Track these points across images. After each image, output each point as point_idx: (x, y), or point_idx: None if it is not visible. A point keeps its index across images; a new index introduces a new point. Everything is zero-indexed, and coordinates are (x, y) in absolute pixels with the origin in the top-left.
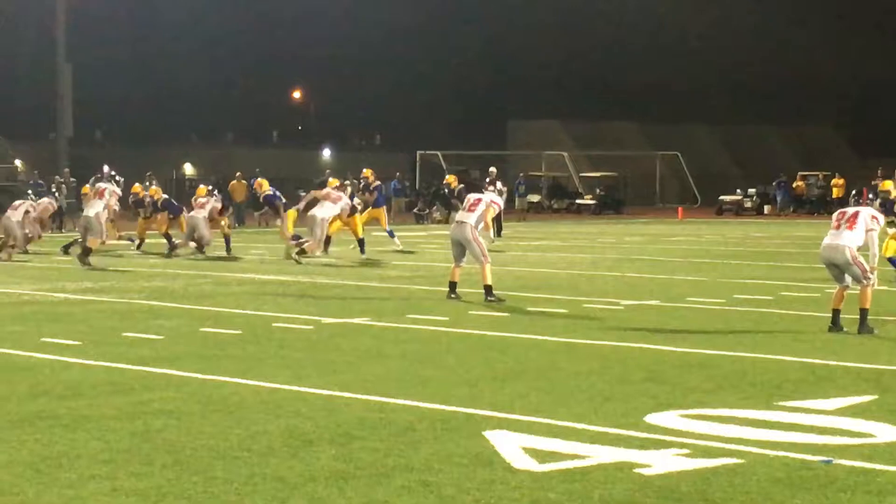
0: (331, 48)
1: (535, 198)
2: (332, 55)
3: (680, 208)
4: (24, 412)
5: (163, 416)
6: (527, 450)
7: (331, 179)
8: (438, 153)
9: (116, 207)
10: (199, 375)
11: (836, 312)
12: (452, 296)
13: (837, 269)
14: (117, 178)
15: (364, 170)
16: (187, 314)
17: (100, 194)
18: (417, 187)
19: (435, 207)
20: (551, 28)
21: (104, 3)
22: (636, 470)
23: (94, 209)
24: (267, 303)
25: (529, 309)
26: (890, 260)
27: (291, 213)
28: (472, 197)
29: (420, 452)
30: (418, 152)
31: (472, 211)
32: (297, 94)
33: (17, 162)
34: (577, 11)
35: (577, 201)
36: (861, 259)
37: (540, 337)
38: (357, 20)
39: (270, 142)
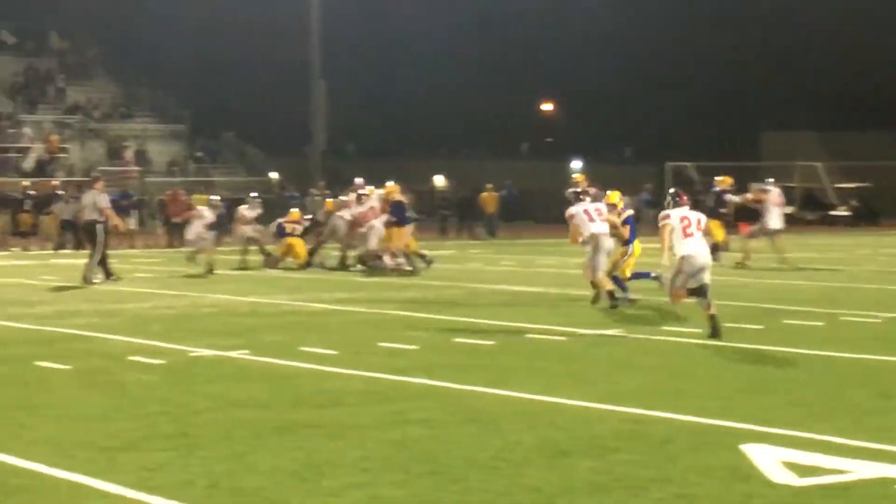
0: (582, 61)
1: (788, 209)
2: (583, 67)
3: None
4: (286, 420)
5: (419, 425)
6: (785, 464)
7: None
8: (689, 164)
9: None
10: (455, 385)
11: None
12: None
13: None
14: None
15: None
16: (441, 324)
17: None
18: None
19: None
20: (806, 39)
21: (357, 19)
22: None
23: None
24: (520, 313)
25: (784, 321)
26: (635, 275)
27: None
28: (695, 217)
29: (677, 465)
30: (668, 163)
31: (700, 229)
32: (547, 107)
33: (273, 174)
34: (830, 22)
35: (831, 213)
36: None
37: (796, 350)
38: (609, 33)
39: (520, 154)
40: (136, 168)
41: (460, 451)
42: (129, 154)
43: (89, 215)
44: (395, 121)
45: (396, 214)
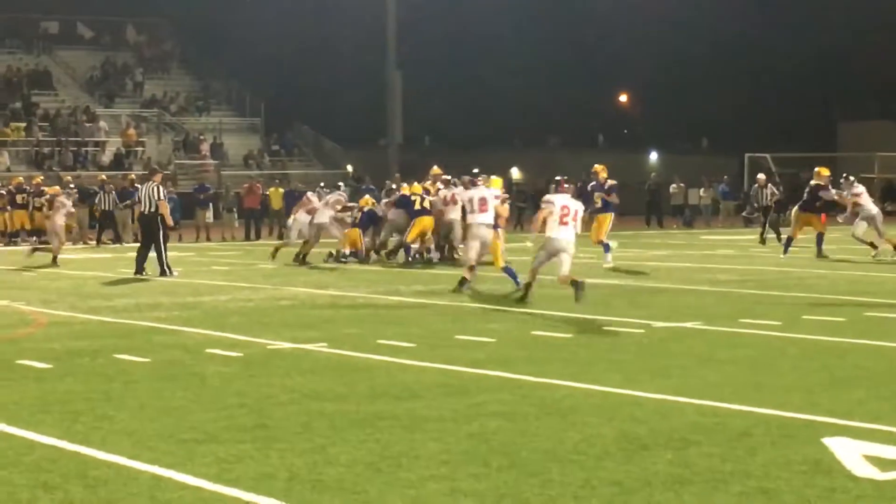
0: (657, 51)
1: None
2: (659, 58)
3: None
4: (364, 413)
5: (498, 417)
6: (868, 458)
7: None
8: (767, 156)
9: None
10: (532, 378)
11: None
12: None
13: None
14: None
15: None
16: (518, 317)
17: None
18: (746, 190)
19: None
20: (882, 28)
21: (432, 10)
22: None
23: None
24: (597, 307)
25: (866, 314)
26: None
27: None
28: (574, 207)
29: (757, 458)
30: (746, 155)
31: (576, 220)
32: (623, 98)
33: (349, 167)
34: None
35: None
36: None
37: (878, 342)
38: (684, 23)
39: (596, 146)
40: (212, 161)
41: (539, 444)
42: (205, 147)
43: (146, 208)
44: (470, 113)
45: (405, 208)
